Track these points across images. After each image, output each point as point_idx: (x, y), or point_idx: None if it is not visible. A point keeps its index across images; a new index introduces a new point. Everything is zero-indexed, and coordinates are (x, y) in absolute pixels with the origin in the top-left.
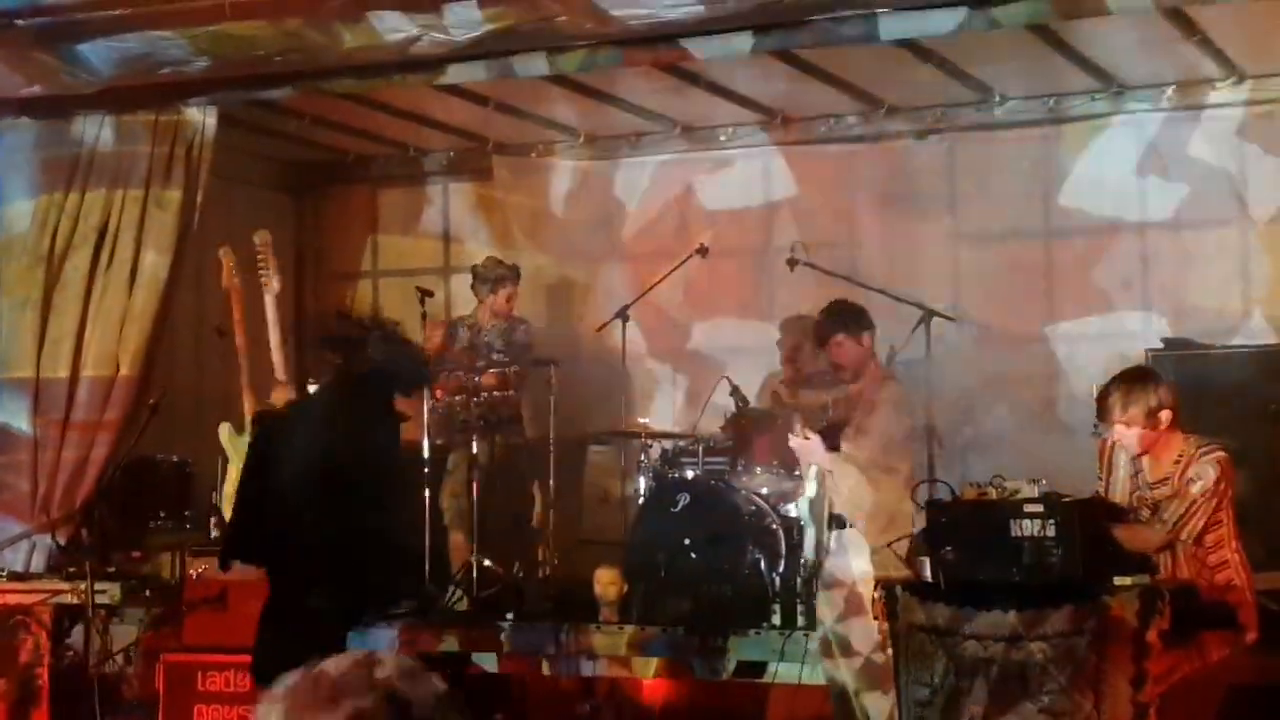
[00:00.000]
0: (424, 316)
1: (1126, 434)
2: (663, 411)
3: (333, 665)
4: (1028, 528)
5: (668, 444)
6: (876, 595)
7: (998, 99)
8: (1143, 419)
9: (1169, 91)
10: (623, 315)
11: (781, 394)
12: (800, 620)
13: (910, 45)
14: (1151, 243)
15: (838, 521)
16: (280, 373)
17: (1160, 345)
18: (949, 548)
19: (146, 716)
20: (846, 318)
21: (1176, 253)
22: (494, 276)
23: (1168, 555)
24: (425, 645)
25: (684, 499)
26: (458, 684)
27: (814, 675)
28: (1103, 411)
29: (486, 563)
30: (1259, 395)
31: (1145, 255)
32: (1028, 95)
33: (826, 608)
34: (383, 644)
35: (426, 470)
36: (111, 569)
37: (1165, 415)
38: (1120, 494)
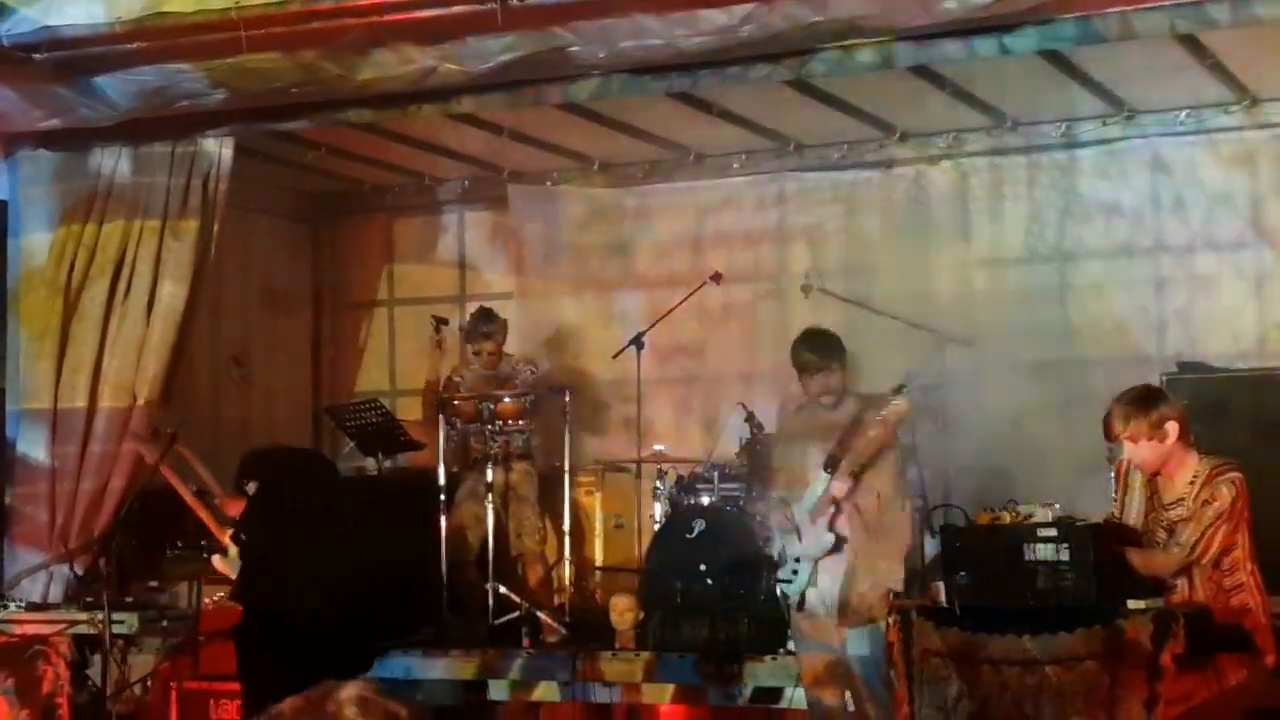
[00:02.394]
0: (439, 345)
1: (1135, 450)
2: (678, 438)
3: (288, 704)
4: (1041, 552)
5: (683, 471)
6: (891, 620)
7: (1010, 124)
8: (1147, 430)
9: (1181, 115)
10: (638, 342)
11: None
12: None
13: (923, 72)
14: (1165, 266)
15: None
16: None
17: (1175, 369)
18: (963, 572)
19: None
20: (819, 348)
21: (1190, 276)
22: (474, 332)
23: (1184, 578)
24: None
25: (699, 526)
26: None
27: None
28: (1108, 429)
29: (502, 590)
30: (1275, 418)
31: (1159, 279)
32: (1040, 120)
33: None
34: (399, 671)
35: (443, 498)
36: (129, 599)
37: (1171, 427)
38: (1136, 516)
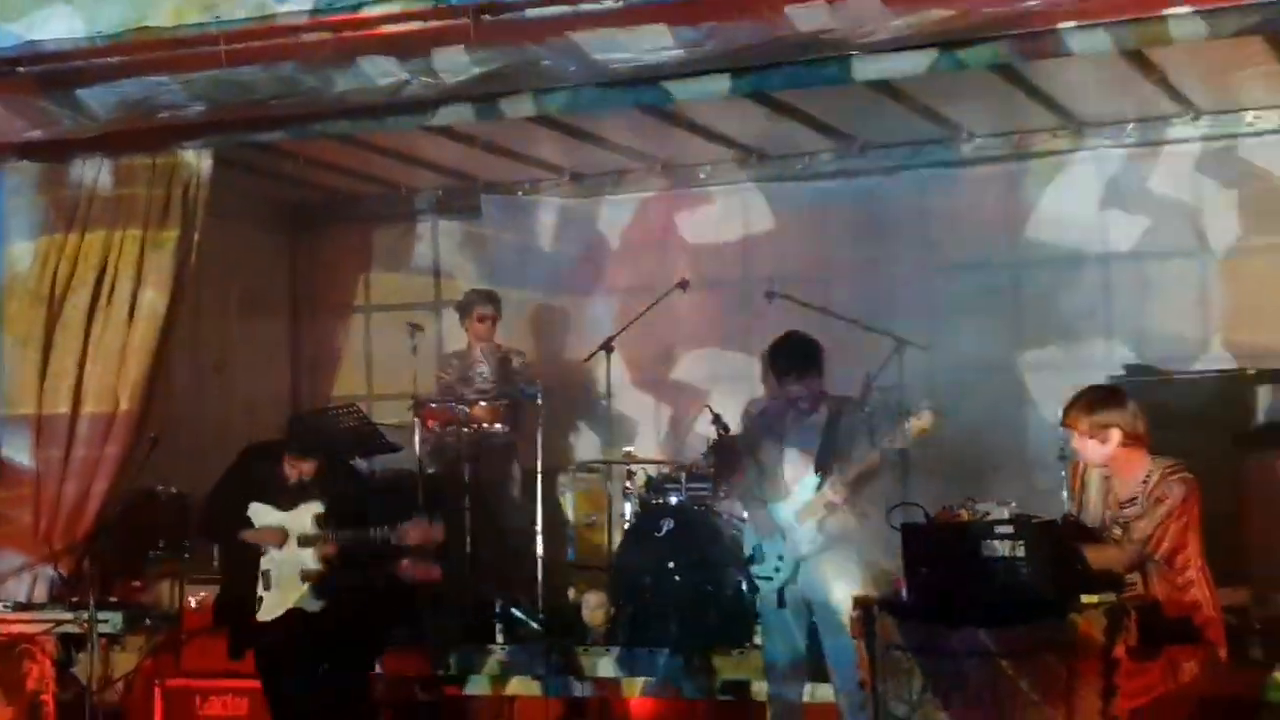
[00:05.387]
0: (414, 350)
1: (1076, 441)
2: (647, 439)
3: None
4: (998, 548)
5: (652, 471)
6: (855, 615)
7: (965, 136)
8: (1088, 428)
9: (1129, 128)
10: (607, 347)
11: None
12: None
13: (881, 86)
14: (1114, 273)
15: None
16: None
17: (1122, 372)
18: (924, 568)
19: None
20: (799, 356)
21: (1138, 283)
22: (466, 302)
23: (1138, 574)
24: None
25: (668, 524)
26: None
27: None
28: (1064, 414)
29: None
30: (1218, 419)
31: (1108, 285)
32: (994, 133)
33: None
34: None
35: (421, 499)
36: (112, 599)
37: (1114, 433)
38: (1093, 514)
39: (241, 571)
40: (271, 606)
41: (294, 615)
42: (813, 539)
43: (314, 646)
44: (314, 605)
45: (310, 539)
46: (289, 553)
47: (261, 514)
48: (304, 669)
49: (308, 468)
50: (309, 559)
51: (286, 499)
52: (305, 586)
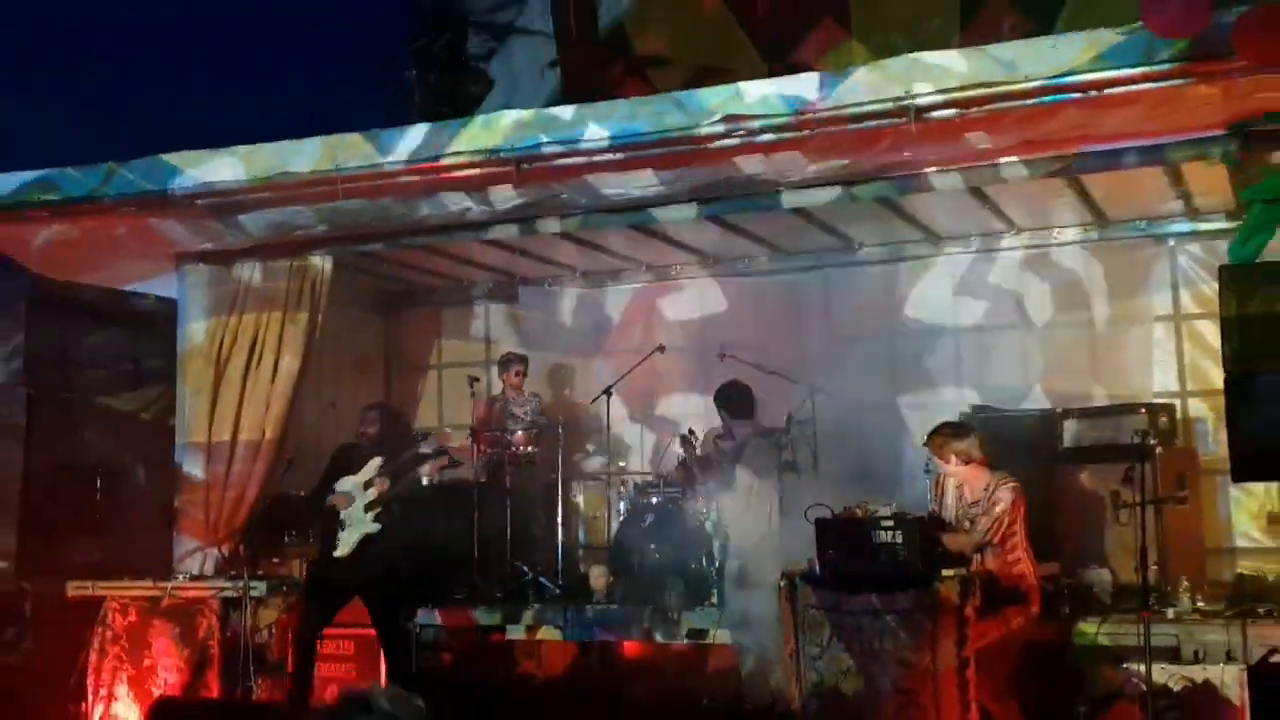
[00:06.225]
0: (473, 395)
1: (938, 462)
2: (635, 457)
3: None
4: (884, 536)
5: (639, 480)
6: (782, 584)
7: (857, 246)
8: (937, 452)
9: (972, 239)
10: (608, 392)
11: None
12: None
13: (798, 211)
14: (963, 341)
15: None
16: None
17: (969, 410)
18: (831, 550)
19: (281, 673)
20: (724, 400)
21: (980, 348)
22: (504, 361)
23: (980, 554)
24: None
25: (651, 518)
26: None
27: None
28: (927, 440)
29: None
30: (1037, 444)
31: (959, 349)
32: (877, 243)
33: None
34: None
35: (476, 499)
36: (260, 572)
37: (955, 456)
38: (949, 512)
39: (330, 527)
40: (346, 542)
41: (363, 541)
42: (726, 524)
43: (379, 561)
44: (375, 528)
45: (371, 481)
46: (359, 497)
47: (344, 482)
48: (379, 584)
49: (373, 431)
50: (371, 496)
51: (359, 464)
52: (368, 516)
